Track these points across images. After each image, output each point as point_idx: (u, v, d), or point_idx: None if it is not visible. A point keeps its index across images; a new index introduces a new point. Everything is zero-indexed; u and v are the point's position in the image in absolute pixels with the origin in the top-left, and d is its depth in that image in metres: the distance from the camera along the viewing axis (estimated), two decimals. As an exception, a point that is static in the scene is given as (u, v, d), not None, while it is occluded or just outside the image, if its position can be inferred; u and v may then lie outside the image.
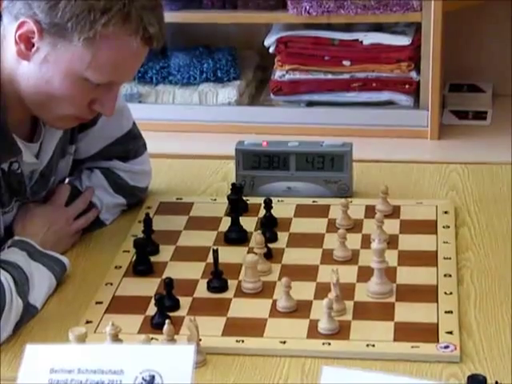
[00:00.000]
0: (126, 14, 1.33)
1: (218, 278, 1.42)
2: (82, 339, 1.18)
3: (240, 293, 1.41)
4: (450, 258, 1.48)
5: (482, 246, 1.54)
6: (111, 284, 1.45)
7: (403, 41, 2.60)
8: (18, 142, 1.44)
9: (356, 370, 0.99)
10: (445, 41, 2.63)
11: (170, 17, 2.55)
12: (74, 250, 1.56)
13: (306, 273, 1.45)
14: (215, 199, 1.71)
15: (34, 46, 1.36)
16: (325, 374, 0.98)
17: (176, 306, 1.37)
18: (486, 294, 1.40)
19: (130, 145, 1.67)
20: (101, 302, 1.40)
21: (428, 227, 1.58)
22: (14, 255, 1.41)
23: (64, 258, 1.47)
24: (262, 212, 1.60)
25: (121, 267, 1.49)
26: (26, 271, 1.39)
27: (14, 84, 1.40)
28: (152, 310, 1.35)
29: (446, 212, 1.63)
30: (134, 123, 1.69)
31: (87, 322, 1.35)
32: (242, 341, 1.29)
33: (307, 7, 2.56)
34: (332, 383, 0.96)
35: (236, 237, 1.55)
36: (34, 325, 1.36)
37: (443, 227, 1.58)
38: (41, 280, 1.40)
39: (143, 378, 0.99)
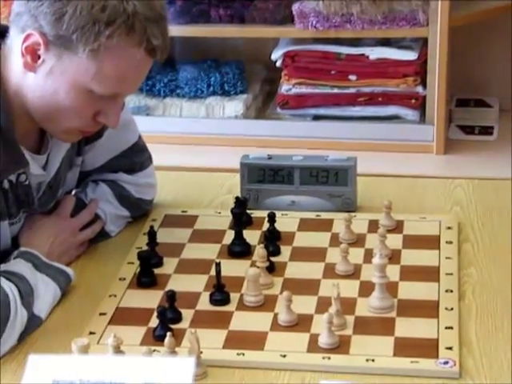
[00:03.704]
0: (130, 26, 1.35)
1: (220, 291, 1.43)
2: (84, 350, 1.19)
3: (242, 306, 1.42)
4: (451, 274, 1.49)
5: (484, 262, 1.54)
6: (115, 296, 1.46)
7: (410, 55, 2.61)
8: (25, 153, 1.46)
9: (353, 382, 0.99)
10: (452, 55, 2.64)
11: (179, 31, 2.57)
12: (79, 261, 1.57)
13: (308, 287, 1.46)
14: (220, 212, 1.72)
15: (39, 57, 1.38)
16: (323, 389, 0.99)
17: (178, 318, 1.38)
18: (487, 310, 1.40)
19: (136, 158, 1.69)
20: (104, 314, 1.41)
21: (431, 242, 1.58)
22: (20, 266, 1.42)
23: (69, 270, 1.48)
24: (266, 225, 1.61)
25: (125, 279, 1.50)
26: (31, 282, 1.40)
27: (20, 96, 1.42)
28: (155, 321, 1.36)
29: (449, 227, 1.63)
30: (140, 136, 1.70)
31: (90, 333, 1.36)
32: (243, 354, 1.30)
33: (314, 22, 2.57)
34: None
35: (239, 250, 1.56)
36: (39, 335, 1.38)
37: (446, 243, 1.58)
38: (46, 291, 1.42)
39: (144, 390, 1.00)
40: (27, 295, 1.38)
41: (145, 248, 1.55)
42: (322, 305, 1.39)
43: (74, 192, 1.66)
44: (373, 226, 1.62)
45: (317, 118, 2.69)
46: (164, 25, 1.40)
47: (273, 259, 1.52)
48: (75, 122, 1.43)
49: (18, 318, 1.34)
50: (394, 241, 1.57)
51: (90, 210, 1.62)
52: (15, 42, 1.40)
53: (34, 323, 1.38)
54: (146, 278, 1.49)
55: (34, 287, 1.40)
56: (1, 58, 1.43)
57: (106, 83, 1.38)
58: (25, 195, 1.49)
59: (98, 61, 1.36)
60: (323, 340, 1.31)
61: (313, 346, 1.31)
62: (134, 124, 1.69)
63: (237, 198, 1.63)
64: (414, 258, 1.54)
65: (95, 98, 1.40)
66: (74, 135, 1.49)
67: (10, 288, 1.35)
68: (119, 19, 1.34)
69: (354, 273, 1.49)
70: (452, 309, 1.39)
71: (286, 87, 2.67)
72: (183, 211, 1.73)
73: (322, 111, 2.68)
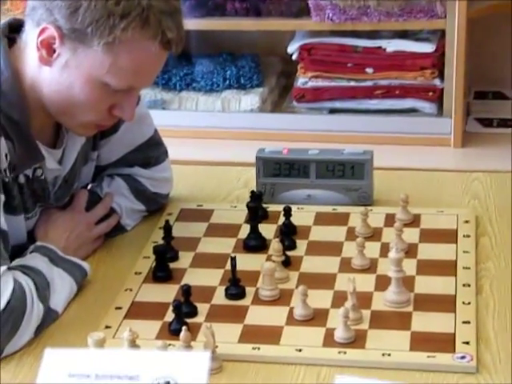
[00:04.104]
0: (145, 19, 1.35)
1: (235, 286, 1.43)
2: (100, 344, 1.19)
3: (257, 300, 1.41)
4: (469, 268, 1.48)
5: (502, 255, 1.53)
6: (131, 290, 1.46)
7: (427, 48, 2.59)
8: (41, 148, 1.46)
9: (370, 379, 0.99)
10: (469, 48, 2.62)
11: (194, 24, 2.57)
12: (95, 255, 1.58)
13: (324, 281, 1.45)
14: (235, 206, 1.71)
15: (55, 51, 1.38)
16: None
17: (194, 312, 1.38)
18: (504, 305, 1.39)
19: (152, 152, 1.69)
20: (120, 308, 1.41)
21: (448, 236, 1.57)
22: (36, 261, 1.42)
23: (85, 264, 1.48)
24: (282, 219, 1.61)
25: (141, 273, 1.50)
26: (48, 276, 1.40)
27: (36, 90, 1.42)
28: (170, 316, 1.36)
29: (466, 221, 1.62)
30: (156, 130, 1.70)
31: (106, 327, 1.36)
32: (258, 348, 1.30)
33: (330, 14, 2.56)
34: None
35: (254, 244, 1.56)
36: (55, 329, 1.38)
37: (463, 236, 1.57)
38: (62, 285, 1.42)
39: (159, 384, 1.00)
40: (43, 289, 1.38)
41: (160, 242, 1.55)
42: (338, 299, 1.38)
43: (89, 186, 1.67)
44: (389, 219, 1.62)
45: (333, 111, 2.68)
46: (179, 17, 1.39)
47: (288, 253, 1.52)
48: (91, 115, 1.43)
49: (35, 311, 1.35)
50: (411, 235, 1.57)
51: (105, 204, 1.62)
52: (30, 36, 1.40)
53: (50, 317, 1.39)
54: (162, 273, 1.49)
55: (51, 281, 1.40)
56: (16, 53, 1.43)
57: (121, 76, 1.38)
58: (41, 190, 1.50)
59: (113, 54, 1.36)
60: (339, 334, 1.30)
61: (328, 340, 1.31)
62: (150, 118, 1.69)
63: (252, 192, 1.63)
64: (430, 251, 1.53)
65: (110, 92, 1.40)
66: (89, 129, 1.49)
67: (26, 282, 1.36)
68: (134, 12, 1.34)
69: (371, 267, 1.49)
70: (469, 303, 1.38)
71: (303, 80, 2.66)
72: (199, 205, 1.73)
73: (338, 104, 2.67)
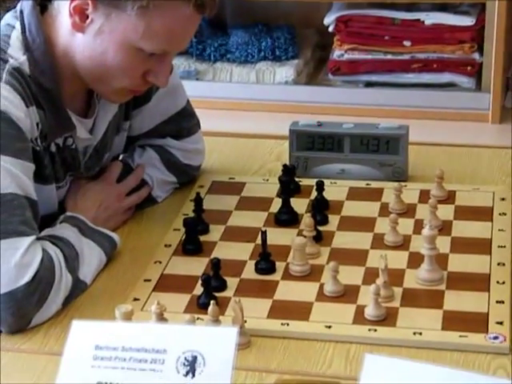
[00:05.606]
0: None
1: (265, 260, 1.41)
2: (128, 317, 1.18)
3: (287, 275, 1.40)
4: (504, 247, 1.45)
5: (538, 234, 1.50)
6: (160, 262, 1.45)
7: (466, 21, 2.54)
8: (72, 117, 1.45)
9: (399, 359, 0.97)
10: (510, 21, 2.57)
11: (230, -6, 2.54)
12: (125, 227, 1.57)
13: (356, 257, 1.44)
14: (268, 179, 1.70)
15: (88, 17, 1.37)
16: (367, 362, 0.96)
17: (223, 286, 1.37)
18: (540, 285, 1.37)
19: (184, 123, 1.67)
20: (149, 280, 1.40)
21: (483, 214, 1.55)
22: (66, 231, 1.42)
23: (114, 235, 1.48)
24: (314, 194, 1.59)
25: (170, 246, 1.49)
26: (77, 247, 1.40)
27: (68, 57, 1.41)
28: (199, 289, 1.35)
29: (503, 199, 1.60)
30: (188, 101, 1.69)
31: (135, 300, 1.35)
32: (287, 324, 1.29)
33: (368, -14, 2.52)
34: (374, 373, 0.95)
35: (286, 219, 1.54)
36: (83, 300, 1.38)
37: (499, 214, 1.55)
38: (91, 256, 1.42)
39: (185, 358, 0.99)
40: (72, 260, 1.38)
41: (191, 215, 1.54)
42: (370, 276, 1.37)
43: (121, 157, 1.66)
44: (424, 196, 1.60)
45: (369, 84, 2.65)
46: None
47: (320, 228, 1.50)
48: (125, 81, 1.42)
49: (63, 282, 1.34)
50: (446, 212, 1.54)
51: (136, 175, 1.61)
52: (62, 3, 1.39)
53: (78, 288, 1.38)
54: (192, 245, 1.48)
55: (80, 252, 1.40)
56: (48, 20, 1.42)
57: (155, 40, 1.37)
58: (71, 159, 1.49)
59: (147, 18, 1.34)
60: (369, 312, 1.29)
61: (359, 317, 1.29)
62: (183, 89, 1.67)
63: (284, 165, 1.61)
64: (465, 229, 1.51)
65: (144, 57, 1.39)
66: (123, 95, 1.48)
67: (55, 252, 1.35)
68: None
69: (403, 244, 1.47)
70: (504, 282, 1.36)
71: (338, 53, 2.62)
72: (231, 178, 1.71)
73: (374, 78, 2.63)
